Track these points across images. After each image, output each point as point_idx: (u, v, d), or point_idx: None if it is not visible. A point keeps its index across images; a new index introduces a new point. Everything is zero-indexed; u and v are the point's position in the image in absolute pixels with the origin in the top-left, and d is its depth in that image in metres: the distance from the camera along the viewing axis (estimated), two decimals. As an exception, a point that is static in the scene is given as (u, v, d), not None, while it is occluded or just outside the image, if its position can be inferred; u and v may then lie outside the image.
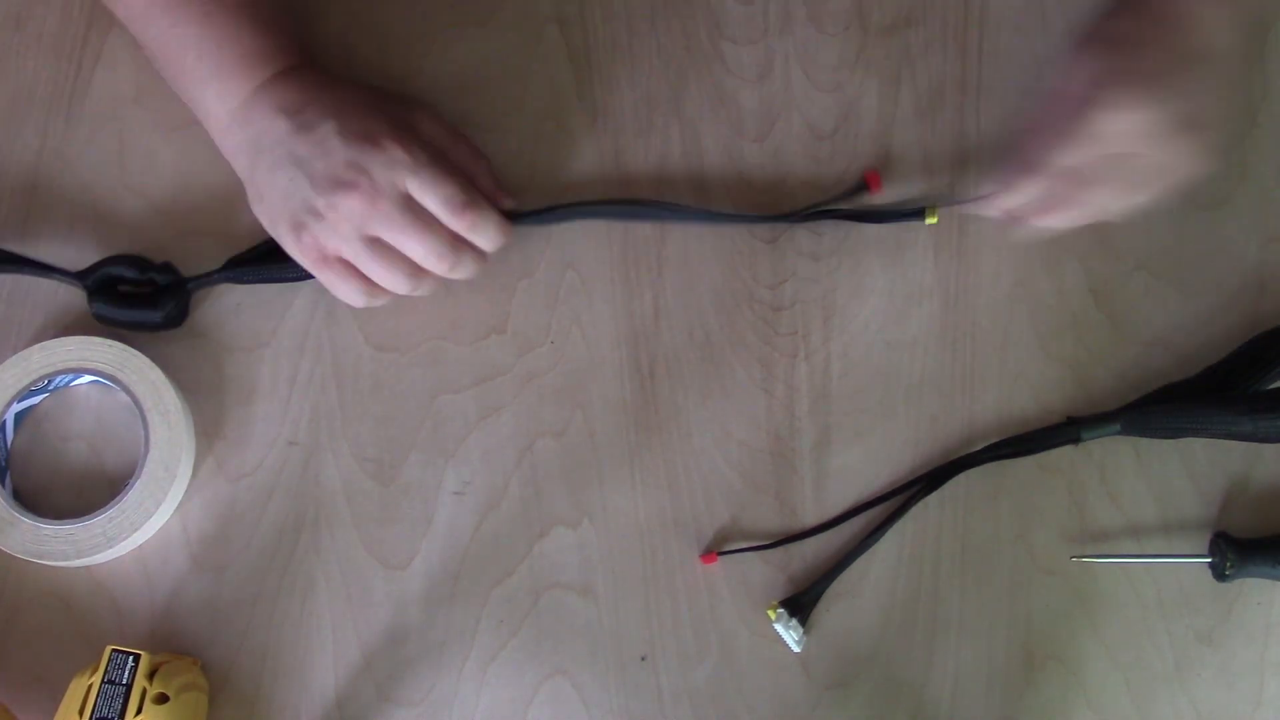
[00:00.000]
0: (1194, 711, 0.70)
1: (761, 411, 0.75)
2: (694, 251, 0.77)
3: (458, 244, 0.71)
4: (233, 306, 0.76)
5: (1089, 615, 0.72)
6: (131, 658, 0.65)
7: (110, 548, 0.71)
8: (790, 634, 0.70)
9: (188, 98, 0.74)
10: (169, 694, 0.65)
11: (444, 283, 0.73)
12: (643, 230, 0.77)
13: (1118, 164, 0.66)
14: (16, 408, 0.73)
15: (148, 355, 0.73)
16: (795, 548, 0.73)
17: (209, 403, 0.75)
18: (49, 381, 0.73)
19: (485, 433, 0.74)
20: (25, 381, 0.73)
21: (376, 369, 0.75)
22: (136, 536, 0.71)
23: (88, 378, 0.74)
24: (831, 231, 0.77)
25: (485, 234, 0.71)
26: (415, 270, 0.71)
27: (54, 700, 0.66)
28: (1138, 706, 0.71)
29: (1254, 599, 0.72)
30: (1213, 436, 0.73)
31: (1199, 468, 0.74)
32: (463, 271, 0.72)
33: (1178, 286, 0.77)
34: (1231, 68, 0.68)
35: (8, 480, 0.73)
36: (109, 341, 0.74)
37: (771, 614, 0.71)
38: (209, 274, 0.75)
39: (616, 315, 0.76)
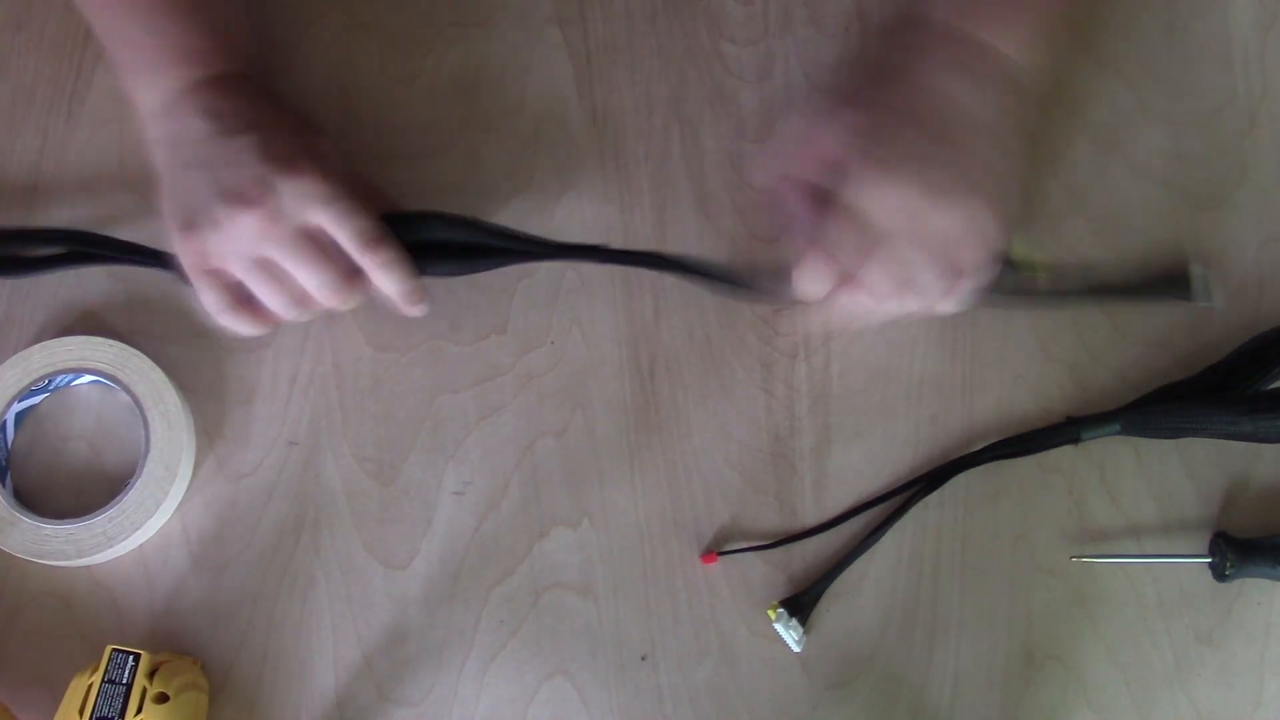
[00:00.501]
0: (1194, 711, 0.70)
1: (761, 411, 0.75)
2: (694, 251, 0.77)
3: (351, 279, 0.69)
4: (233, 306, 0.76)
5: (1089, 615, 0.72)
6: (131, 657, 0.65)
7: (110, 547, 0.71)
8: (790, 634, 0.70)
9: (123, 83, 0.73)
10: (169, 693, 0.65)
11: (326, 311, 0.72)
12: (642, 230, 0.77)
13: (888, 244, 0.66)
14: (17, 407, 0.73)
15: (148, 355, 0.74)
16: (795, 548, 0.73)
17: (209, 403, 0.75)
18: (49, 381, 0.73)
19: (485, 433, 0.74)
20: (26, 381, 0.73)
21: (376, 369, 0.75)
22: (137, 536, 0.71)
23: (88, 377, 0.74)
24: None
25: (393, 274, 0.70)
26: (300, 298, 0.69)
27: (54, 700, 0.66)
28: (1138, 706, 0.71)
29: (1254, 599, 0.72)
30: (1213, 436, 0.73)
31: (1199, 468, 0.74)
32: (346, 305, 0.71)
33: (1178, 286, 0.77)
34: (996, 133, 0.68)
35: (8, 480, 0.73)
36: (110, 341, 0.74)
37: (771, 614, 0.71)
38: None
39: (616, 315, 0.76)
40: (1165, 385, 0.74)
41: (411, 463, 0.74)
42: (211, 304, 0.70)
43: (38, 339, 0.74)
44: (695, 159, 0.78)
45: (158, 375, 0.73)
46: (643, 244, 0.77)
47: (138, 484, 0.71)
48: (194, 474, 0.73)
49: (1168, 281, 0.76)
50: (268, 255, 0.68)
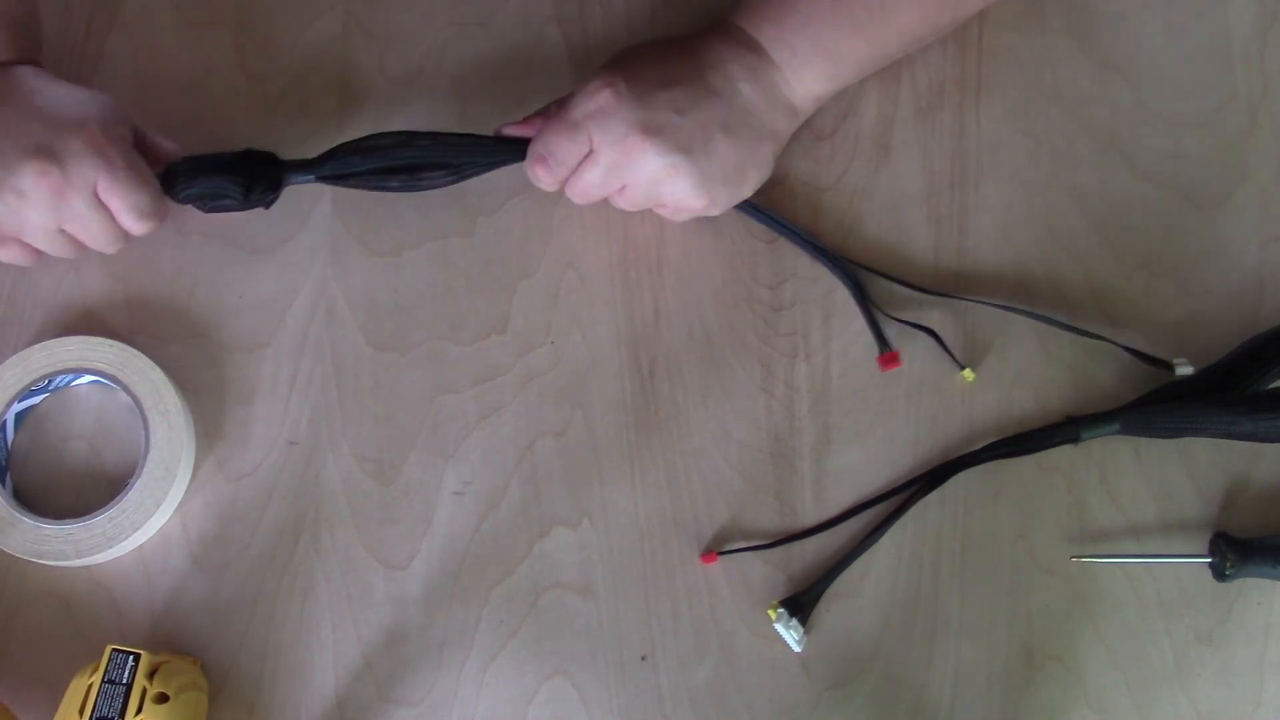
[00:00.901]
0: (1194, 711, 0.70)
1: (761, 411, 0.75)
2: (694, 251, 0.77)
3: (125, 235, 0.72)
4: (233, 305, 0.76)
5: (1089, 615, 0.72)
6: (131, 657, 0.65)
7: (110, 547, 0.71)
8: (791, 634, 0.70)
9: None
10: (169, 694, 0.65)
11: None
12: (643, 230, 0.77)
13: (594, 154, 0.70)
14: (17, 407, 0.73)
15: (148, 355, 0.73)
16: (795, 548, 0.73)
17: (209, 403, 0.75)
18: (49, 381, 0.73)
19: (485, 433, 0.74)
20: (26, 381, 0.73)
21: (376, 369, 0.75)
22: (137, 536, 0.71)
23: (88, 378, 0.74)
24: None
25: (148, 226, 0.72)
26: (80, 248, 0.72)
27: (54, 700, 0.66)
28: (1138, 706, 0.71)
29: (1254, 599, 0.72)
30: (1212, 436, 0.73)
31: (1199, 468, 0.74)
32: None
33: (1178, 286, 0.77)
34: (737, 107, 0.71)
35: (8, 480, 0.73)
36: (110, 341, 0.74)
37: (772, 614, 0.71)
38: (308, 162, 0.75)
39: (616, 315, 0.76)
40: (1165, 385, 0.74)
41: (411, 463, 0.74)
42: (10, 258, 0.72)
43: (38, 339, 0.74)
44: (695, 159, 0.78)
45: (158, 375, 0.73)
46: (643, 243, 0.77)
47: (138, 484, 0.71)
48: (194, 474, 0.73)
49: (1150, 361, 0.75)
50: (61, 224, 0.70)
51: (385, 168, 0.74)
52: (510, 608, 0.72)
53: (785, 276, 0.77)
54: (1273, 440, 0.72)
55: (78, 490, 0.73)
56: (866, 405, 0.75)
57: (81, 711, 0.64)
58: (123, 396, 0.73)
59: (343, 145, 0.74)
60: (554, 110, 0.72)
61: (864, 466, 0.74)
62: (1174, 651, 0.71)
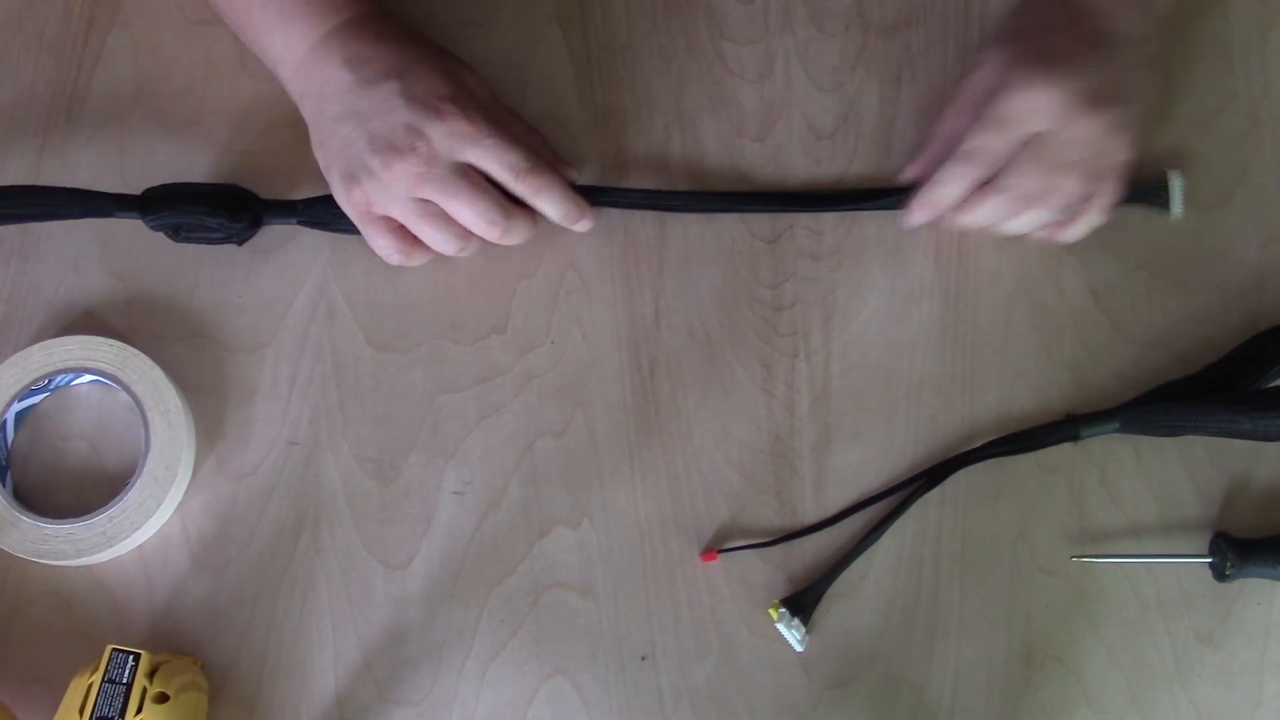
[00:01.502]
0: (1194, 711, 0.70)
1: (761, 411, 0.75)
2: (694, 251, 0.77)
3: (509, 210, 0.72)
4: (233, 305, 0.76)
5: (1089, 615, 0.72)
6: (131, 657, 0.65)
7: (110, 547, 0.71)
8: (793, 633, 0.70)
9: (257, 47, 0.75)
10: (169, 693, 0.65)
11: (490, 246, 0.74)
12: (643, 230, 0.77)
13: (1036, 146, 0.68)
14: (17, 407, 0.73)
15: (149, 355, 0.73)
16: (795, 547, 0.73)
17: (209, 402, 0.75)
18: (49, 381, 0.73)
19: (485, 433, 0.74)
20: (26, 380, 0.73)
21: (376, 369, 0.75)
22: (137, 536, 0.71)
23: (88, 377, 0.74)
24: (831, 231, 0.77)
25: (550, 197, 0.72)
26: (464, 234, 0.72)
27: (54, 700, 0.66)
28: (1138, 706, 0.71)
29: (1254, 599, 0.72)
30: (1212, 434, 0.73)
31: (1199, 468, 0.74)
32: (512, 238, 0.73)
33: (1178, 286, 0.77)
34: (1140, 51, 0.71)
35: (8, 479, 0.73)
36: (109, 341, 0.74)
37: (773, 613, 0.71)
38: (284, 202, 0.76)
39: (616, 315, 0.76)
40: (1165, 383, 0.74)
41: (411, 463, 0.74)
42: (382, 249, 0.72)
43: (38, 339, 0.74)
44: (695, 158, 0.78)
45: (158, 375, 0.73)
46: (643, 243, 0.77)
47: (138, 483, 0.71)
48: (194, 474, 0.73)
49: (1144, 190, 0.76)
50: (427, 196, 0.70)
51: None
52: (510, 608, 0.72)
53: (785, 276, 0.77)
54: (1273, 439, 0.72)
55: (78, 490, 0.73)
56: (866, 405, 0.75)
57: (81, 711, 0.64)
58: (122, 396, 0.73)
59: (327, 196, 0.74)
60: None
61: (864, 466, 0.74)
62: (1174, 651, 0.71)
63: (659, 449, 0.74)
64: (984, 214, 0.71)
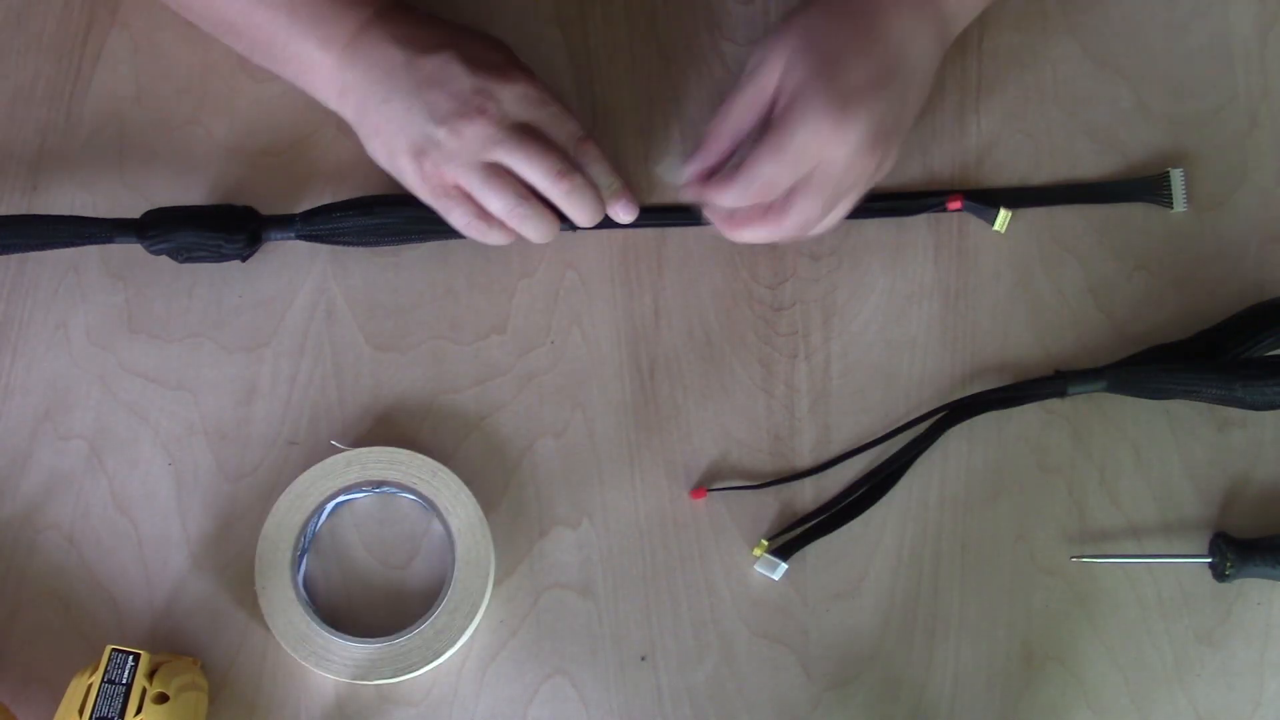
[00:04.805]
0: (1194, 711, 0.70)
1: (761, 411, 0.75)
2: (694, 251, 0.77)
3: (572, 165, 0.72)
4: (233, 305, 0.76)
5: (1089, 615, 0.72)
6: (131, 657, 0.65)
7: (423, 667, 0.70)
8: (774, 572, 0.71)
9: (286, 58, 0.73)
10: (169, 693, 0.65)
11: (551, 224, 0.73)
12: (643, 230, 0.77)
13: (819, 178, 0.67)
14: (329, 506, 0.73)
15: (149, 355, 0.73)
16: (795, 546, 0.73)
17: (209, 402, 0.75)
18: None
19: (485, 433, 0.74)
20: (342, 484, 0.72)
21: (376, 369, 0.75)
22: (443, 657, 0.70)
23: (410, 496, 0.73)
24: (831, 231, 0.76)
25: (602, 168, 0.73)
26: (528, 195, 0.71)
27: (54, 700, 0.66)
28: (1138, 706, 0.70)
29: (1254, 599, 0.72)
30: (1200, 400, 0.73)
31: (1199, 468, 0.74)
32: (579, 199, 0.72)
33: (1177, 286, 0.77)
34: (925, 79, 0.71)
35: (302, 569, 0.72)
36: (414, 455, 0.73)
37: (758, 552, 0.71)
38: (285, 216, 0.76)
39: (616, 315, 0.76)
40: (1155, 346, 0.74)
41: (411, 463, 0.74)
42: (460, 221, 0.72)
43: (38, 339, 0.75)
44: (695, 159, 0.78)
45: (464, 494, 0.72)
46: (642, 244, 0.77)
47: (449, 594, 0.70)
48: (196, 476, 0.73)
49: (1146, 186, 0.77)
50: (496, 159, 0.70)
51: (371, 227, 0.75)
52: (510, 608, 0.72)
53: (785, 276, 0.77)
54: (1260, 408, 0.72)
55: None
56: (866, 405, 0.75)
57: (81, 711, 0.64)
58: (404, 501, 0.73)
59: (325, 207, 0.75)
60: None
61: (864, 467, 0.74)
62: (1174, 651, 0.71)
63: (659, 449, 0.74)
64: (761, 236, 0.71)
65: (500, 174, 0.71)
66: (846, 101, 0.66)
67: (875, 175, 0.70)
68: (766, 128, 0.67)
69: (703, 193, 0.69)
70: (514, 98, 0.70)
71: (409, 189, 0.72)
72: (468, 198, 0.71)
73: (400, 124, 0.70)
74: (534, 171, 0.71)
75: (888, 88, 0.68)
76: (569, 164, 0.71)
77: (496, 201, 0.71)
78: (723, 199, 0.68)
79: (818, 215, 0.69)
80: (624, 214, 0.74)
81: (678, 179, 0.71)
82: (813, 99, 0.66)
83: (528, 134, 0.70)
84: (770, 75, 0.68)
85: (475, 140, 0.69)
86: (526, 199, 0.71)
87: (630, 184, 0.75)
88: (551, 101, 0.72)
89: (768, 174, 0.67)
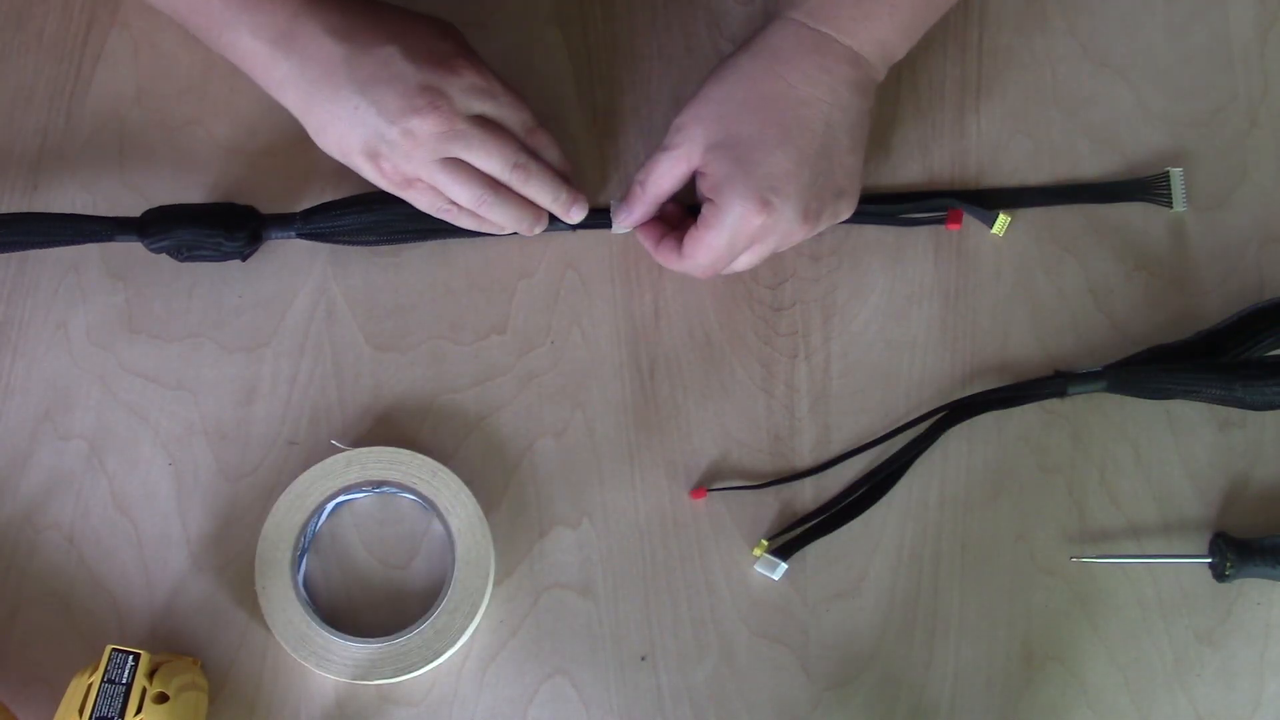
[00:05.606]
0: (1194, 711, 0.70)
1: (761, 411, 0.75)
2: (694, 251, 0.77)
3: (529, 155, 0.72)
4: (233, 305, 0.76)
5: (1089, 615, 0.72)
6: (131, 657, 0.65)
7: (423, 667, 0.70)
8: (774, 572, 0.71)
9: (224, 44, 0.71)
10: (169, 693, 0.65)
11: (523, 210, 0.73)
12: (643, 230, 0.77)
13: (758, 246, 0.71)
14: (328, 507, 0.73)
15: (147, 354, 0.73)
16: (795, 546, 0.73)
17: (209, 402, 0.75)
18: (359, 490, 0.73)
19: (485, 433, 0.74)
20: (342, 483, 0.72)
21: (376, 369, 0.75)
22: (443, 657, 0.70)
23: (409, 496, 0.73)
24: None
25: (556, 154, 0.73)
26: (490, 183, 0.71)
27: (54, 700, 0.66)
28: (1138, 706, 0.70)
29: (1254, 599, 0.72)
30: (1199, 400, 0.73)
31: (1199, 468, 0.74)
32: (538, 187, 0.72)
33: (1177, 286, 0.77)
34: (855, 131, 0.71)
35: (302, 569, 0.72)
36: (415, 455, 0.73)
37: (758, 551, 0.71)
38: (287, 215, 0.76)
39: (616, 315, 0.76)
40: (1155, 346, 0.74)
41: (411, 463, 0.74)
42: (429, 208, 0.72)
43: (39, 338, 0.74)
44: (695, 159, 0.78)
45: (464, 494, 0.72)
46: (642, 244, 0.77)
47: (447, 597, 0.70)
48: (196, 476, 0.73)
49: (1146, 186, 0.77)
50: (453, 155, 0.70)
51: (371, 223, 0.75)
52: (510, 608, 0.72)
53: (785, 276, 0.77)
54: (1259, 408, 0.72)
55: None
56: (866, 405, 0.75)
57: (81, 711, 0.64)
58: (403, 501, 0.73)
59: (325, 204, 0.75)
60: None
61: (863, 467, 0.74)
62: (1174, 651, 0.71)
63: (659, 449, 0.74)
64: (704, 275, 0.73)
65: (460, 167, 0.70)
66: (771, 192, 0.69)
67: (820, 226, 0.71)
68: (699, 214, 0.71)
69: (652, 251, 0.74)
70: (463, 90, 0.69)
71: (370, 181, 0.72)
72: (432, 188, 0.71)
73: (349, 123, 0.69)
74: (491, 164, 0.71)
75: (810, 167, 0.69)
76: (525, 153, 0.71)
77: (462, 193, 0.71)
78: (671, 267, 0.73)
79: (756, 264, 0.72)
80: (574, 217, 0.74)
81: (619, 225, 0.74)
82: (738, 188, 0.69)
83: (482, 126, 0.70)
84: (692, 157, 0.70)
85: (429, 138, 0.69)
86: (491, 187, 0.71)
87: (620, 184, 0.75)
88: (502, 91, 0.71)
89: (706, 263, 0.71)
